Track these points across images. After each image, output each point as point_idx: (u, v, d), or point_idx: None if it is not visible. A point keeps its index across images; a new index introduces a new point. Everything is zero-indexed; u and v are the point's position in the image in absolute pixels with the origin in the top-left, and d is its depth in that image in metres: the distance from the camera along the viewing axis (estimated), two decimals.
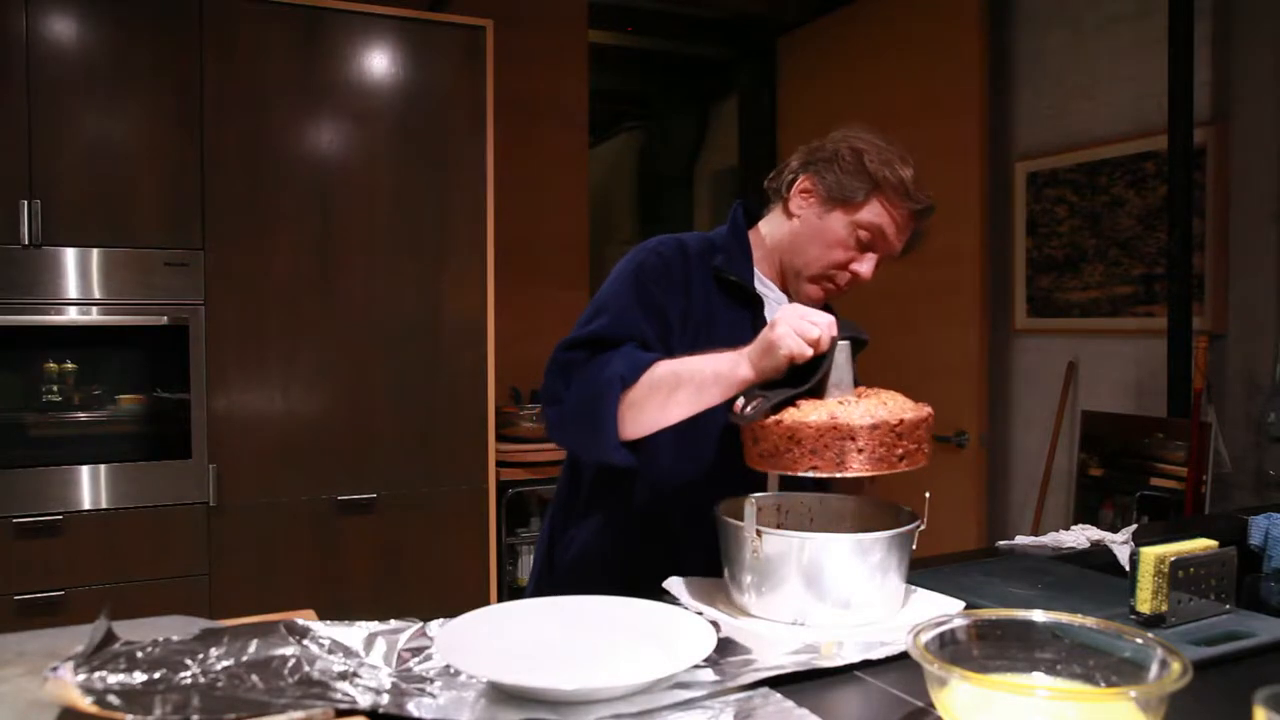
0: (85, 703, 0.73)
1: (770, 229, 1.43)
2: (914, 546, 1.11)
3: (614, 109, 5.55)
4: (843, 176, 1.33)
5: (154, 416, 2.57)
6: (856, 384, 1.18)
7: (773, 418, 1.08)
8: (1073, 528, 1.58)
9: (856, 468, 1.04)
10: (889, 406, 1.09)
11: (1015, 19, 3.12)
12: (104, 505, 2.50)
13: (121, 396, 2.55)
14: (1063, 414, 2.95)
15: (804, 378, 1.13)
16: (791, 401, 1.11)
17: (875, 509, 1.23)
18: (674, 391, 1.17)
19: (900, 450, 1.07)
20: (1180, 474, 2.47)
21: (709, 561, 1.19)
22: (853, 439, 1.04)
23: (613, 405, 1.18)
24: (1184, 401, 2.50)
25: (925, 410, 1.12)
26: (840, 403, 1.09)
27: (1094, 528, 1.57)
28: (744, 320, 1.36)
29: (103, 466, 2.50)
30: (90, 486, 2.49)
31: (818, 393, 1.13)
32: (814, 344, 1.11)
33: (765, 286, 1.42)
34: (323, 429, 2.70)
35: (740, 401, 1.14)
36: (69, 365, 2.49)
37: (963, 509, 3.05)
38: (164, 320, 2.54)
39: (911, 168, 1.35)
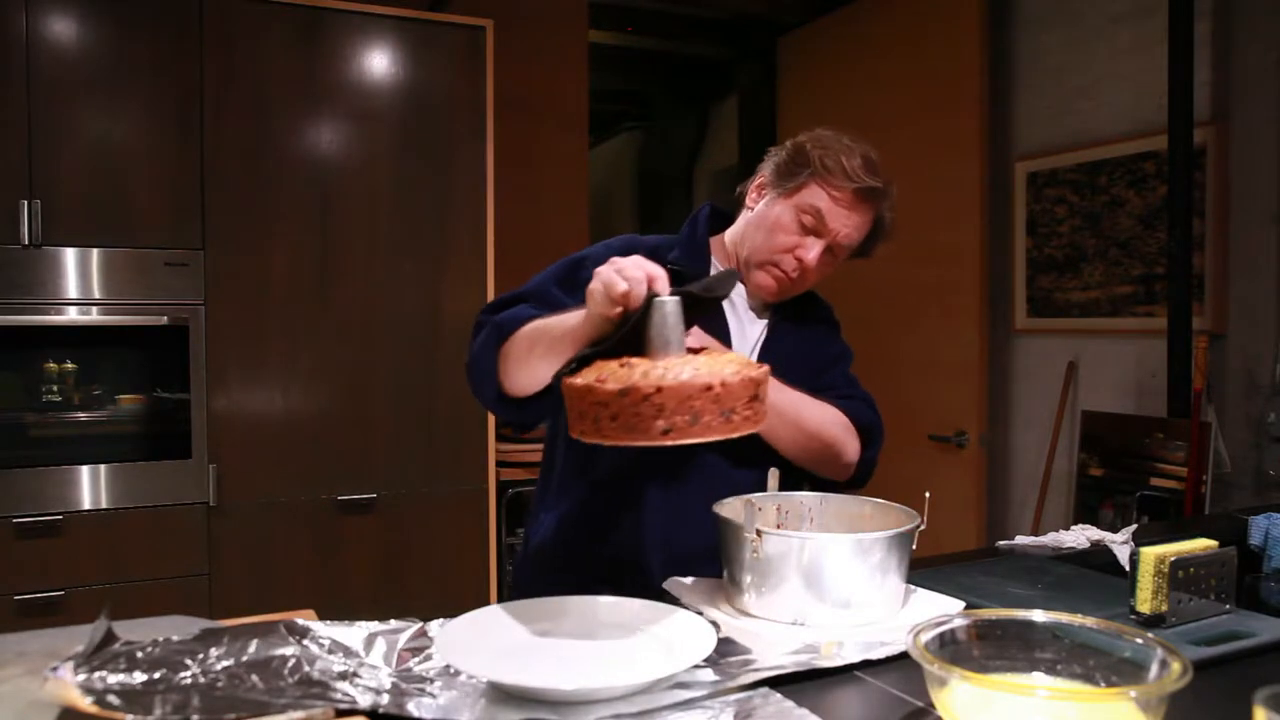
0: (85, 703, 0.73)
1: (733, 230, 1.46)
2: (914, 546, 1.11)
3: (614, 109, 5.55)
4: (787, 163, 1.36)
5: (154, 416, 2.57)
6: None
7: (577, 379, 0.96)
8: (1073, 528, 1.58)
9: (659, 436, 0.91)
10: (710, 367, 0.95)
11: (1015, 19, 3.12)
12: (104, 505, 2.50)
13: (121, 396, 2.55)
14: (1063, 414, 2.95)
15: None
16: (590, 360, 1.00)
17: (875, 509, 1.23)
18: (535, 345, 1.18)
19: (719, 413, 0.93)
20: (1180, 474, 2.47)
21: (672, 540, 1.17)
22: (650, 400, 0.91)
23: (490, 359, 1.23)
24: (1184, 401, 2.50)
25: (754, 371, 0.98)
26: (654, 362, 0.95)
27: (1094, 528, 1.57)
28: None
29: (103, 466, 2.50)
30: (90, 486, 2.49)
31: (635, 351, 1.00)
32: (622, 299, 1.01)
33: None
34: (323, 429, 2.70)
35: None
36: (69, 365, 2.49)
37: (963, 509, 3.05)
38: (164, 320, 2.54)
39: (862, 156, 1.34)
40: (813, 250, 1.34)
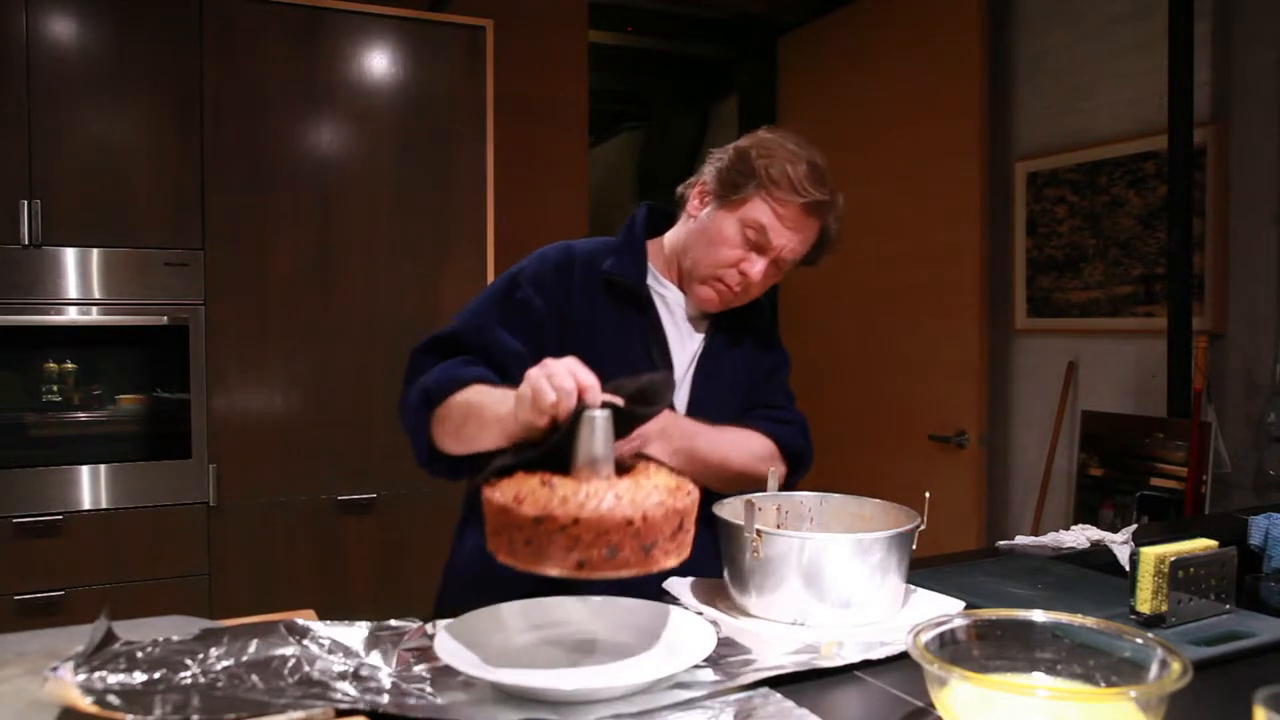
0: (85, 703, 0.73)
1: (673, 235, 1.41)
2: (914, 546, 1.11)
3: (614, 109, 5.55)
4: (730, 173, 1.30)
5: (154, 416, 2.57)
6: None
7: (495, 494, 0.91)
8: (1073, 528, 1.58)
9: (573, 568, 0.86)
10: (633, 495, 0.90)
11: (1015, 19, 3.12)
12: (104, 505, 2.50)
13: (121, 396, 2.55)
14: (1063, 414, 2.95)
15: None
16: (509, 471, 0.95)
17: (875, 509, 1.23)
18: (466, 422, 1.16)
19: (639, 548, 0.88)
20: (1180, 474, 2.47)
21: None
22: (567, 531, 0.86)
23: (420, 421, 1.22)
24: (1184, 401, 2.50)
25: (681, 500, 0.92)
26: (577, 485, 0.90)
27: (1094, 528, 1.57)
28: (633, 322, 1.34)
29: (103, 466, 2.50)
30: (90, 486, 2.49)
31: (561, 466, 0.95)
32: (550, 409, 0.96)
33: (663, 286, 1.39)
34: (323, 429, 2.70)
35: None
36: (69, 365, 2.49)
37: (963, 509, 3.05)
38: (164, 320, 2.54)
39: (808, 164, 1.29)
40: (757, 265, 1.31)
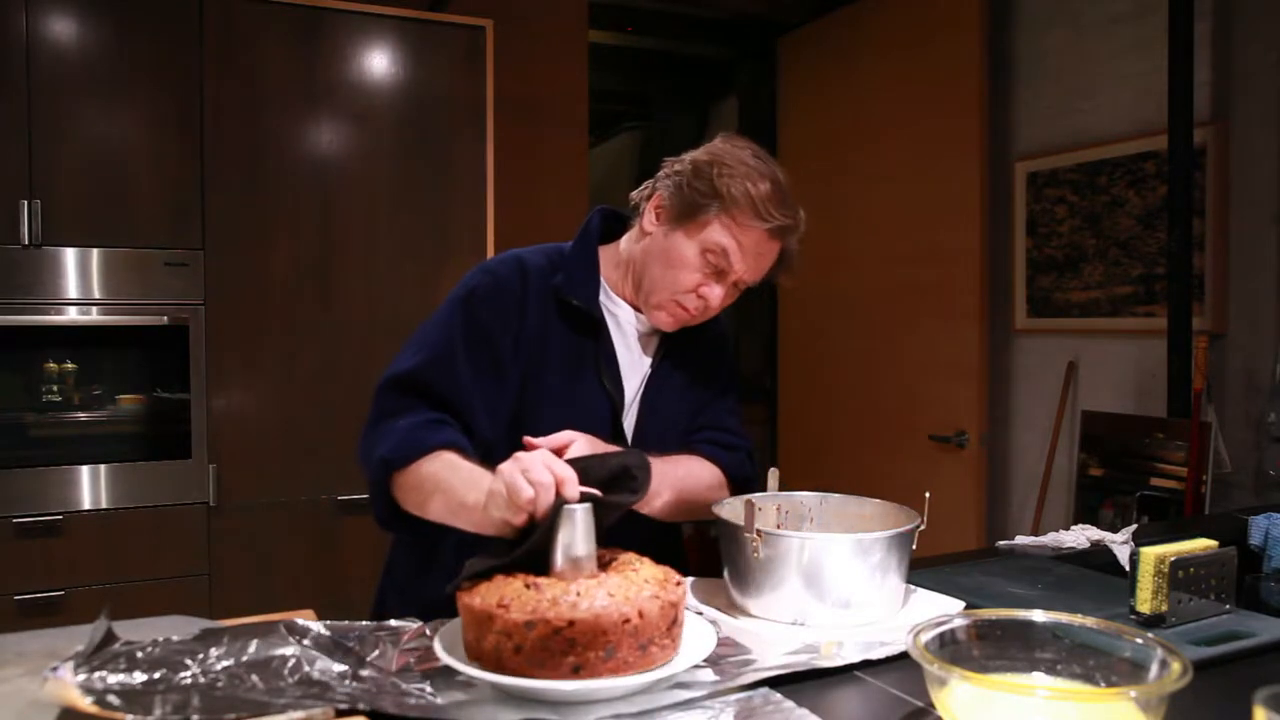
0: (85, 703, 0.73)
1: (627, 245, 1.34)
2: (914, 546, 1.11)
3: (614, 109, 5.55)
4: (689, 191, 1.23)
5: (154, 416, 2.57)
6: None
7: (475, 599, 0.87)
8: (1073, 528, 1.58)
9: (569, 674, 0.83)
10: (625, 591, 0.86)
11: (1015, 19, 3.12)
12: (104, 505, 2.50)
13: (121, 396, 2.55)
14: (1063, 414, 2.95)
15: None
16: (490, 574, 0.90)
17: (875, 509, 1.23)
18: (431, 496, 1.12)
19: (636, 646, 0.85)
20: (1180, 474, 2.47)
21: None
22: (561, 634, 0.82)
23: (379, 489, 1.20)
24: (1184, 401, 2.50)
25: (673, 594, 0.89)
26: (565, 585, 0.86)
27: (1094, 528, 1.57)
28: (584, 343, 1.28)
29: (103, 466, 2.50)
30: (90, 486, 2.49)
31: (535, 564, 0.92)
32: (528, 506, 0.92)
33: (614, 304, 1.33)
34: (323, 429, 2.70)
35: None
36: (69, 365, 2.49)
37: (963, 509, 3.05)
38: (164, 320, 2.54)
39: (771, 183, 1.22)
40: (717, 290, 1.25)
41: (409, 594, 1.35)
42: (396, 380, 1.25)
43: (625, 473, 1.02)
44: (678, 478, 1.27)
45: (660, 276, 1.26)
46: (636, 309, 1.33)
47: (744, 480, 1.35)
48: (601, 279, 1.33)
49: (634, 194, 1.34)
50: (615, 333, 1.32)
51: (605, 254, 1.36)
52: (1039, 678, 0.84)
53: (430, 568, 1.32)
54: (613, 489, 1.00)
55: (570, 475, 0.94)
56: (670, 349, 1.36)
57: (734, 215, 1.21)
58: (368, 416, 1.28)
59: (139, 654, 0.81)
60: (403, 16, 2.80)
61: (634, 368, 1.33)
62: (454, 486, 1.09)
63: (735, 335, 4.67)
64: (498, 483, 0.97)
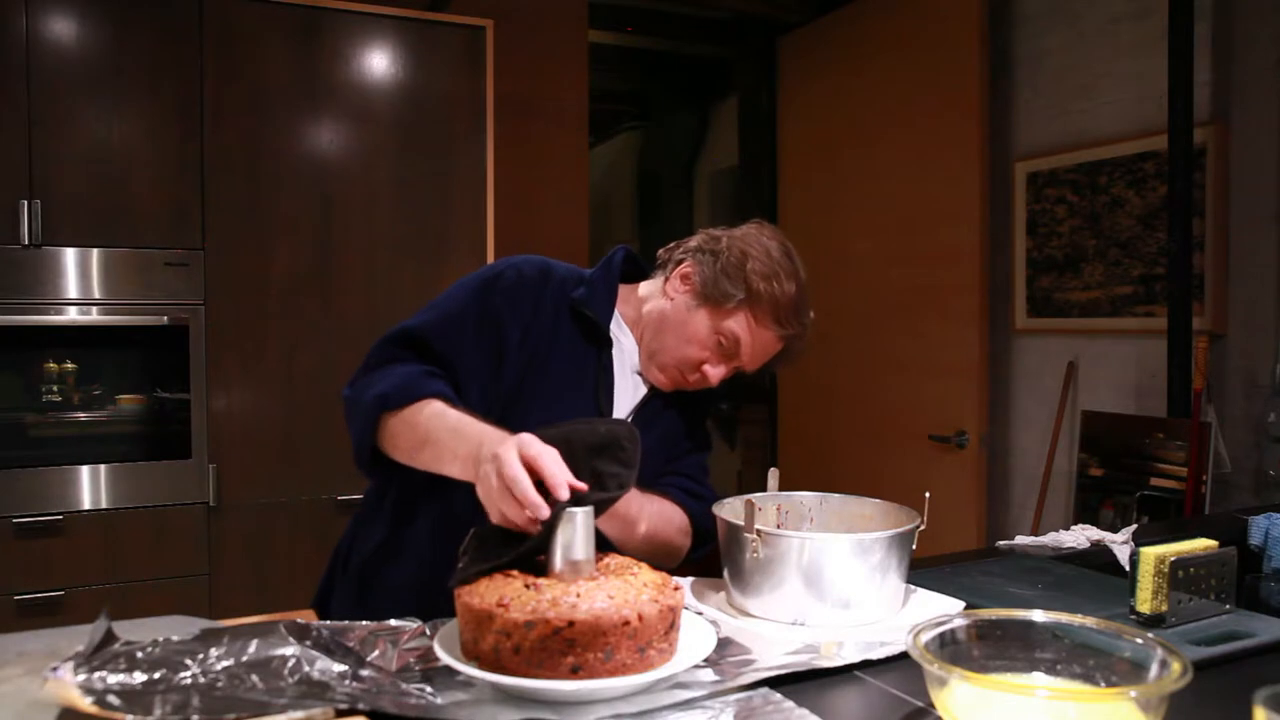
0: (85, 703, 0.73)
1: (648, 293, 1.39)
2: (914, 546, 1.11)
3: (614, 109, 5.55)
4: (720, 276, 1.28)
5: (154, 416, 2.57)
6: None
7: (474, 598, 0.87)
8: (1073, 528, 1.58)
9: (567, 674, 0.83)
10: (625, 594, 0.86)
11: (1015, 19, 3.12)
12: (104, 505, 2.50)
13: (121, 396, 2.55)
14: (1063, 414, 2.95)
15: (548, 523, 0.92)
16: (490, 572, 0.91)
17: (875, 509, 1.23)
18: (422, 445, 1.15)
19: (635, 649, 0.85)
20: (1180, 474, 2.47)
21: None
22: (561, 635, 0.82)
23: (369, 425, 1.22)
24: (1184, 401, 2.50)
25: (672, 598, 0.89)
26: (565, 587, 0.86)
27: (1094, 528, 1.57)
28: (588, 356, 1.32)
29: (103, 466, 2.50)
30: (90, 486, 2.49)
31: (535, 562, 0.92)
32: (534, 513, 0.93)
33: (622, 332, 1.38)
34: (323, 429, 2.70)
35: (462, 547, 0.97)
36: (69, 365, 2.49)
37: (963, 509, 3.05)
38: (164, 320, 2.54)
39: (797, 286, 1.29)
40: (718, 372, 1.31)
41: (369, 581, 1.36)
42: (403, 331, 1.29)
43: (615, 443, 1.02)
44: (654, 513, 1.29)
45: (672, 344, 1.31)
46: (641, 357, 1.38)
47: (705, 531, 1.35)
48: (616, 309, 1.38)
49: (662, 251, 1.39)
50: (616, 356, 1.36)
51: (623, 291, 1.40)
52: (1039, 678, 0.84)
53: (398, 555, 1.34)
54: (601, 456, 1.01)
55: (570, 476, 0.94)
56: (659, 391, 1.39)
57: (755, 314, 1.28)
58: (363, 361, 1.31)
59: (139, 654, 0.81)
60: (403, 16, 2.80)
61: (626, 394, 1.37)
62: (444, 440, 1.12)
63: None
64: (492, 475, 0.96)
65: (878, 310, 3.38)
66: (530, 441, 0.97)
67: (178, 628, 0.88)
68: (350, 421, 1.27)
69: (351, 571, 1.42)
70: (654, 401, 1.38)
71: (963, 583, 1.23)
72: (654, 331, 1.34)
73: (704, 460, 1.46)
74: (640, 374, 1.38)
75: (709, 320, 1.29)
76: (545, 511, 0.91)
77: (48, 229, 2.42)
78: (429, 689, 0.86)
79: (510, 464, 0.94)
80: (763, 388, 4.04)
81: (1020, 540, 1.55)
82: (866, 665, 0.96)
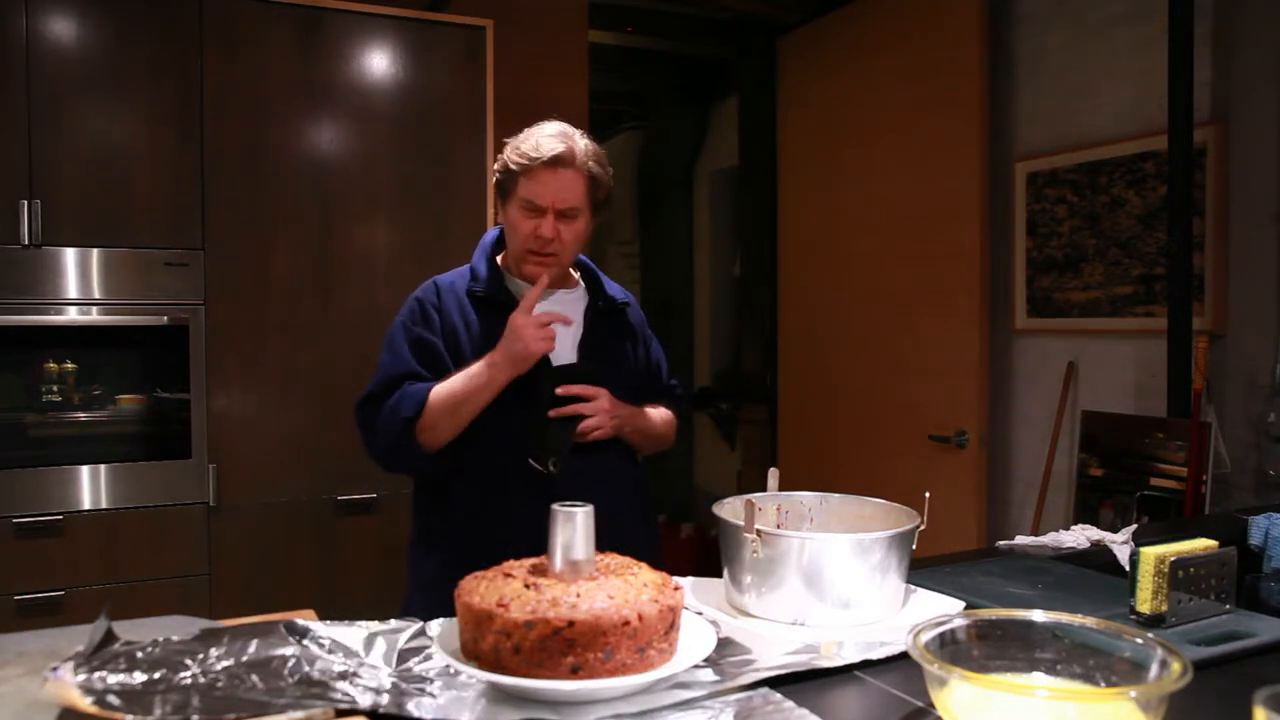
0: (85, 703, 0.73)
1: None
2: (914, 546, 1.11)
3: (614, 109, 5.55)
4: (500, 181, 1.63)
5: (154, 416, 2.57)
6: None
7: (475, 599, 0.88)
8: (1073, 528, 1.58)
9: (567, 674, 0.83)
10: (625, 594, 0.87)
11: (1015, 19, 3.12)
12: (104, 505, 2.50)
13: (121, 396, 2.54)
14: (1063, 414, 2.95)
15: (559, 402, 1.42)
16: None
17: (875, 509, 1.23)
18: (457, 410, 1.52)
19: (634, 649, 0.85)
20: (1180, 474, 2.47)
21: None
22: (561, 635, 0.83)
23: (411, 442, 1.55)
24: (1184, 401, 2.50)
25: (671, 598, 0.90)
26: (565, 586, 0.87)
27: (1094, 528, 1.57)
28: (497, 324, 1.58)
29: (103, 466, 2.50)
30: (90, 486, 2.49)
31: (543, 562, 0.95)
32: (546, 344, 1.50)
33: (520, 288, 1.65)
34: (323, 429, 2.70)
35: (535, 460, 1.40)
36: (69, 365, 2.49)
37: (963, 509, 3.05)
38: (164, 320, 2.54)
39: (541, 131, 1.58)
40: (544, 225, 1.57)
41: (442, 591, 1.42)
42: (369, 395, 1.62)
43: (572, 368, 1.56)
44: (657, 417, 1.73)
45: (511, 241, 1.65)
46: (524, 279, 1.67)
47: (683, 417, 1.84)
48: (505, 273, 1.68)
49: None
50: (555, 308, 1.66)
51: (506, 259, 1.72)
52: (1039, 678, 0.84)
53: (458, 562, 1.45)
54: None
55: (553, 329, 1.53)
56: (594, 318, 1.68)
57: (522, 169, 1.57)
58: (361, 428, 1.65)
59: (139, 654, 0.81)
60: (403, 16, 2.80)
61: (564, 335, 1.62)
62: (459, 391, 1.53)
63: (736, 335, 4.67)
64: (515, 341, 1.50)
65: (878, 310, 3.38)
66: (516, 316, 1.52)
67: (178, 628, 0.88)
68: (393, 462, 1.64)
69: (425, 582, 1.65)
70: (591, 332, 1.66)
71: (963, 583, 1.23)
72: (507, 250, 1.68)
73: (661, 355, 1.82)
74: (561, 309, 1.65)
75: (513, 207, 1.60)
76: (559, 318, 1.54)
77: (48, 229, 2.42)
78: (429, 689, 0.86)
79: (520, 321, 1.50)
80: (763, 387, 4.04)
81: (1020, 540, 1.55)
82: (866, 665, 0.96)
